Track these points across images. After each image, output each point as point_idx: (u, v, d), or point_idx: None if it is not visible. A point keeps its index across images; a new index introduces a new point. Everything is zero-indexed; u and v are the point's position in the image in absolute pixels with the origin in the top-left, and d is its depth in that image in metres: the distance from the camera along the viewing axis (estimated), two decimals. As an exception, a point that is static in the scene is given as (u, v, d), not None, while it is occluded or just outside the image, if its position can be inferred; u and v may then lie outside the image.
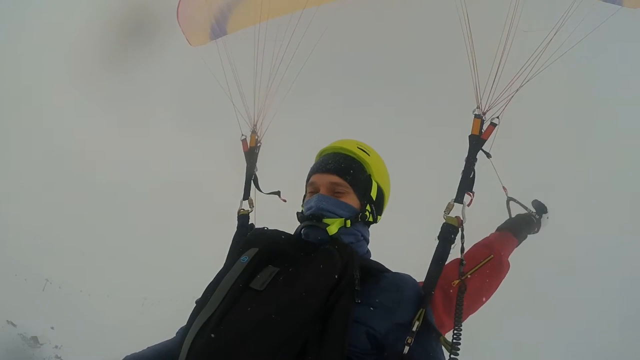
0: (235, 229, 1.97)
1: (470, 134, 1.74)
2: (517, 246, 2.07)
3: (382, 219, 1.68)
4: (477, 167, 1.69)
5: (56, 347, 9.44)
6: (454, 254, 1.57)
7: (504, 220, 2.14)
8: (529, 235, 2.18)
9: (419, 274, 1.50)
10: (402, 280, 1.41)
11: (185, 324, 1.36)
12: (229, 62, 2.39)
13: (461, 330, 1.35)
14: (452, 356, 1.29)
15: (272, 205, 2.02)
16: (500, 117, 1.75)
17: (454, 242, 1.56)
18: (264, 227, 1.64)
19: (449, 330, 1.39)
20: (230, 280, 1.33)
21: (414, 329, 1.28)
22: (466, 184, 1.67)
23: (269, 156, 2.21)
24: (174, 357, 1.25)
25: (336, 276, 1.28)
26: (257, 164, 2.18)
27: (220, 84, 2.33)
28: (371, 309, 1.30)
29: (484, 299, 1.80)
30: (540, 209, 2.19)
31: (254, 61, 2.24)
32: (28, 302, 9.90)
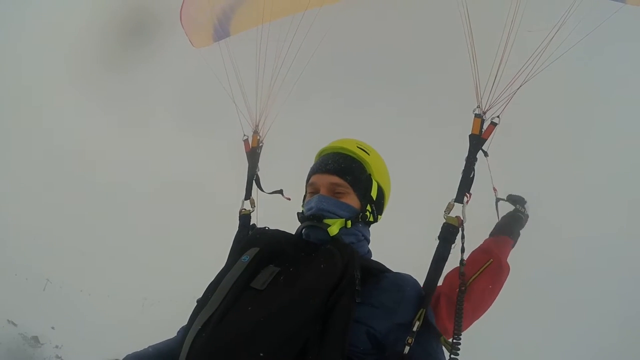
0: (237, 229, 1.96)
1: (470, 133, 1.74)
2: (513, 246, 2.06)
3: (382, 218, 1.67)
4: (478, 167, 1.69)
5: (57, 346, 9.43)
6: (454, 254, 1.57)
7: (494, 226, 2.14)
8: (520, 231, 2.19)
9: (419, 274, 1.50)
10: (402, 280, 1.41)
11: (185, 323, 1.37)
12: (231, 62, 2.39)
13: (461, 330, 1.35)
14: (452, 356, 1.29)
15: (273, 206, 2.02)
16: (500, 117, 1.75)
17: (454, 242, 1.55)
18: (265, 227, 1.64)
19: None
20: (231, 279, 1.33)
21: (415, 329, 1.28)
22: (466, 183, 1.67)
23: (270, 156, 2.21)
24: (175, 356, 1.25)
25: (337, 276, 1.28)
26: (259, 164, 2.18)
27: (222, 84, 2.33)
28: (372, 308, 1.30)
29: (488, 304, 1.80)
30: (520, 200, 2.18)
31: (256, 62, 2.24)
32: (29, 302, 9.90)
